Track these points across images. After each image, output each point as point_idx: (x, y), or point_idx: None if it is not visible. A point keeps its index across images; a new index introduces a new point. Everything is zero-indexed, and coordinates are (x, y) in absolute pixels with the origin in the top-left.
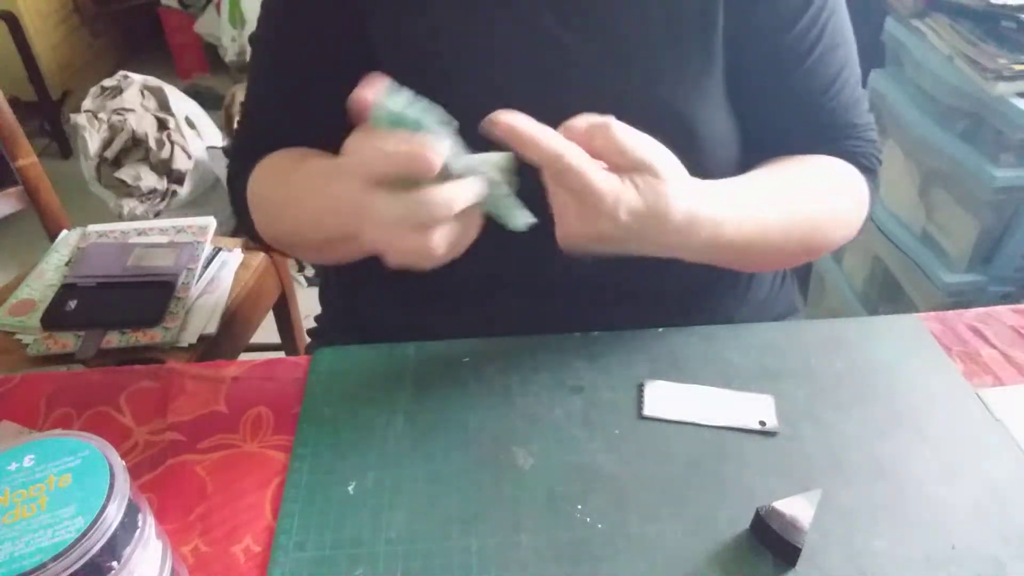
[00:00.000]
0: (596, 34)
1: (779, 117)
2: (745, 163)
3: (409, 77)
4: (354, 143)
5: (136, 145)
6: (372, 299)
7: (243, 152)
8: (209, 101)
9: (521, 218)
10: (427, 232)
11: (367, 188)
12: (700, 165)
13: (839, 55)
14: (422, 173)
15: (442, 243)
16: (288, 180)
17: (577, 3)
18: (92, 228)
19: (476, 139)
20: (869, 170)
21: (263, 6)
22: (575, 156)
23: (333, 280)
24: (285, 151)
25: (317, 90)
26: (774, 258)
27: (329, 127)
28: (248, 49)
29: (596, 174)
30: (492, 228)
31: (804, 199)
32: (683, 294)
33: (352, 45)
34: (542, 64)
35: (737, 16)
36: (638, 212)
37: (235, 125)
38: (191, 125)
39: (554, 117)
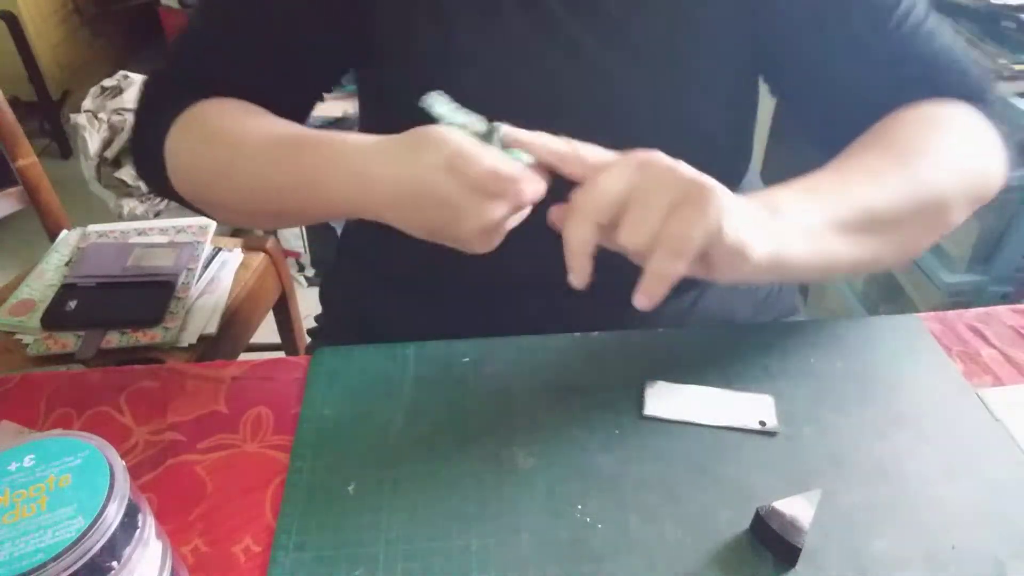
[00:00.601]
0: (613, 38)
1: (854, 74)
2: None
3: (421, 82)
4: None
5: None
6: (374, 299)
7: (173, 82)
8: None
9: None
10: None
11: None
12: (715, 170)
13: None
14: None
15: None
16: (265, 135)
17: (595, 6)
18: (92, 228)
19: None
20: (983, 102)
21: None
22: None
23: (334, 280)
24: (236, 104)
25: (271, 49)
26: (894, 239)
27: (269, 88)
28: None
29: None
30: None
31: (905, 160)
32: (686, 295)
33: (326, 24)
34: (558, 68)
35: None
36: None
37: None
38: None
39: (569, 121)
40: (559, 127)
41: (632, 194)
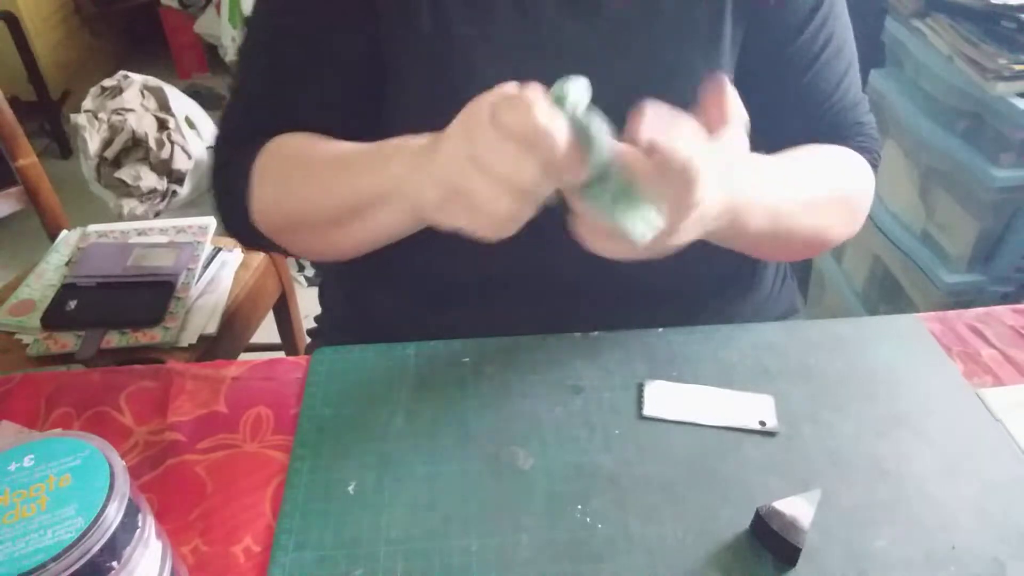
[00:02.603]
0: (603, 26)
1: (787, 120)
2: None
3: (421, 72)
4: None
5: (136, 145)
6: (373, 299)
7: (236, 135)
8: (209, 101)
9: (646, 225)
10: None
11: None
12: None
13: (844, 56)
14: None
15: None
16: (326, 153)
17: (596, 11)
18: (92, 228)
19: None
20: (873, 166)
21: None
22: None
23: (334, 280)
24: (305, 136)
25: (318, 76)
26: (807, 230)
27: (328, 115)
28: None
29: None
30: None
31: (832, 173)
32: (686, 295)
33: (358, 35)
34: (548, 56)
35: (747, 24)
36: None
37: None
38: (191, 125)
39: None
40: None
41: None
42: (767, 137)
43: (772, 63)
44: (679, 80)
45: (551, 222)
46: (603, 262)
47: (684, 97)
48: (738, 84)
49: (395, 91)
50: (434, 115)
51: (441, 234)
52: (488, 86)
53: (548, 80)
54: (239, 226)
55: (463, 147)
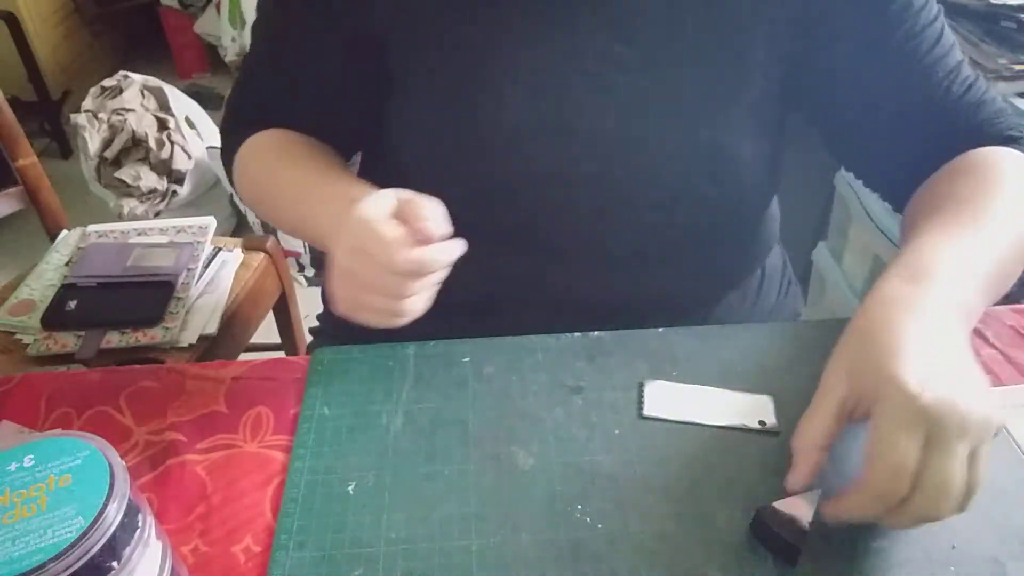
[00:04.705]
0: (646, 66)
1: (909, 128)
2: (892, 192)
3: (431, 82)
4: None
5: (136, 145)
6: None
7: (240, 111)
8: (209, 101)
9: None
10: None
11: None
12: (730, 192)
13: (945, 36)
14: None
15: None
16: (287, 179)
17: (630, 32)
18: (92, 228)
19: (522, 150)
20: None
21: None
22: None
23: None
24: (281, 137)
25: (316, 74)
26: (1005, 284)
27: (324, 109)
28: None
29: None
30: (492, 248)
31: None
32: (691, 308)
33: (359, 46)
34: (584, 94)
35: (804, 42)
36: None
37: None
38: (191, 125)
39: (594, 150)
40: (582, 156)
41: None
42: (888, 161)
43: (877, 70)
44: (698, 99)
45: (557, 241)
46: (607, 279)
47: (702, 116)
48: (831, 110)
49: (397, 91)
50: (437, 121)
51: (493, 242)
52: (501, 97)
53: (563, 93)
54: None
55: (350, 240)
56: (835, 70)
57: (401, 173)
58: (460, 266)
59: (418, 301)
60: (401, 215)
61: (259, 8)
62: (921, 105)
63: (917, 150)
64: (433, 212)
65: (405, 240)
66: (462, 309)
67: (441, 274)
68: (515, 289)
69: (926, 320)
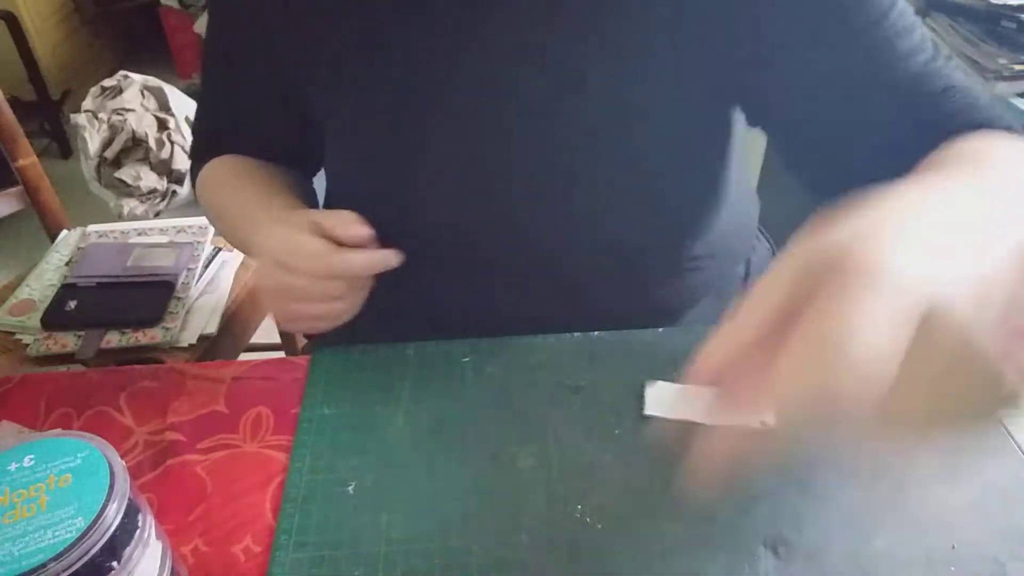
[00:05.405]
0: (563, 26)
1: (856, 117)
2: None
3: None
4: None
5: (136, 145)
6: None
7: (199, 139)
8: None
9: None
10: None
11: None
12: (680, 201)
13: (905, 18)
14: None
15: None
16: (233, 201)
17: (541, 51)
18: (92, 228)
19: (476, 151)
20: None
21: (209, 14)
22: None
23: None
24: (233, 164)
25: (257, 111)
26: None
27: (270, 140)
28: None
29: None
30: (484, 261)
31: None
32: (687, 309)
33: (290, 90)
34: (521, 119)
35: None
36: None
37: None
38: (191, 125)
39: (509, 155)
40: (523, 193)
41: None
42: (856, 148)
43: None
44: (637, 75)
45: (513, 270)
46: (567, 302)
47: (641, 128)
48: (792, 102)
49: (331, 145)
50: (374, 178)
51: (436, 270)
52: (437, 151)
53: (502, 135)
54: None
55: (275, 257)
56: (777, 61)
57: (354, 198)
58: (414, 295)
59: (348, 304)
60: (319, 230)
61: (204, 46)
62: (881, 103)
63: (879, 152)
64: (354, 218)
65: (328, 247)
66: (459, 320)
67: (368, 278)
68: (473, 317)
69: (930, 192)
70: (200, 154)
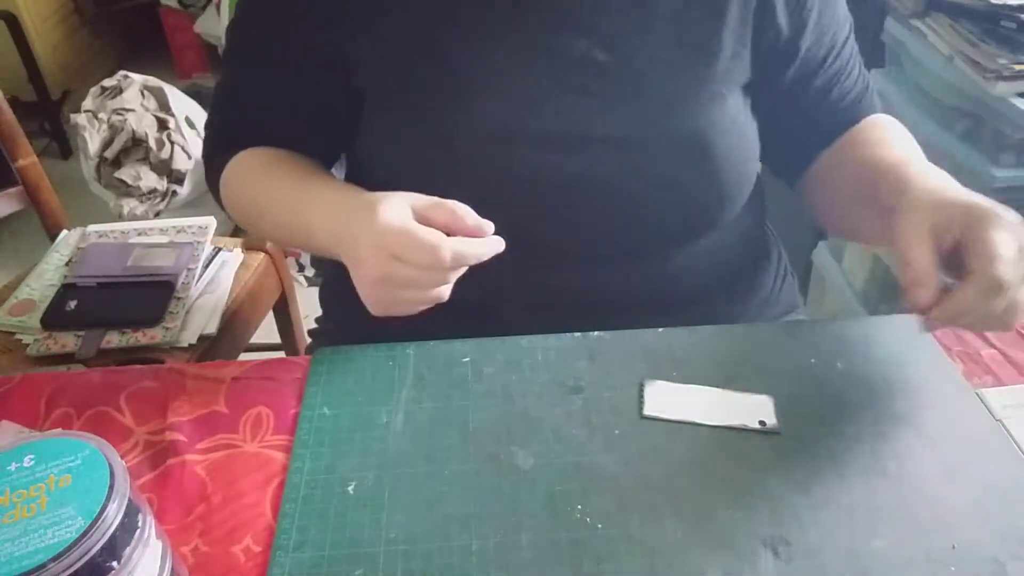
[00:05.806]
0: (607, 52)
1: (809, 115)
2: (785, 170)
3: (402, 90)
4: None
5: (136, 145)
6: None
7: (218, 135)
8: (209, 101)
9: None
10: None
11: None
12: (714, 179)
13: (848, 44)
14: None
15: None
16: (279, 194)
17: (586, 22)
18: (92, 228)
19: (500, 159)
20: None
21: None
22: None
23: (334, 280)
24: (264, 156)
25: (292, 96)
26: None
27: (301, 127)
28: None
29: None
30: (536, 237)
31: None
32: (685, 302)
33: (331, 67)
34: (541, 75)
35: (757, 47)
36: None
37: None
38: (191, 125)
39: (569, 134)
40: (564, 160)
41: None
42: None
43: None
44: (680, 100)
45: (548, 242)
46: (599, 277)
47: (687, 115)
48: (763, 97)
49: (372, 108)
50: (416, 135)
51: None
52: (478, 107)
53: (540, 98)
54: (221, 206)
55: (384, 248)
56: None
57: (382, 181)
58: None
59: (448, 287)
60: (423, 218)
61: (229, 34)
62: (827, 107)
63: (813, 136)
64: (467, 210)
65: (443, 238)
66: (460, 312)
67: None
68: (511, 292)
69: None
70: (218, 150)
